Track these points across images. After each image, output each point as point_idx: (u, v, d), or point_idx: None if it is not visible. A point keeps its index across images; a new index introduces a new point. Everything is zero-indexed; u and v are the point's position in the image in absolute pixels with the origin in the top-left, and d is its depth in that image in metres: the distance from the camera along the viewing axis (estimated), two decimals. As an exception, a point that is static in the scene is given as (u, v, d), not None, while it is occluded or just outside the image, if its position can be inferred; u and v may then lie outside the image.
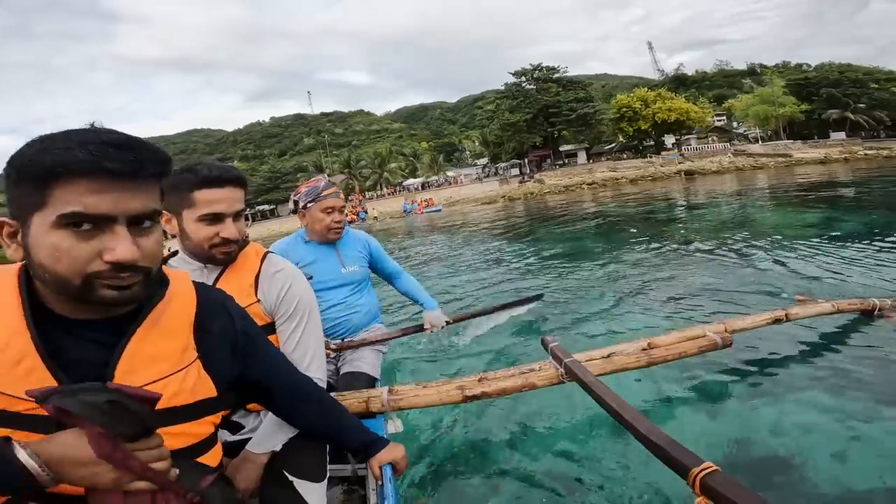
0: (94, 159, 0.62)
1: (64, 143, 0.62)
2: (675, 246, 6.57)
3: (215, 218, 1.16)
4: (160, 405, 0.67)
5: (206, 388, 0.80)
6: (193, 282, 0.87)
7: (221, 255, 1.21)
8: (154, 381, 0.72)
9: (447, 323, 2.51)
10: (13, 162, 0.64)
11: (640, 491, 1.68)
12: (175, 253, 1.24)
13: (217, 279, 1.24)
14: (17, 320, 0.67)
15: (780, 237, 6.17)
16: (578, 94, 49.27)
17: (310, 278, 1.91)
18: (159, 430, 0.70)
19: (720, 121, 58.46)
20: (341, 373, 2.02)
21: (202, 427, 0.81)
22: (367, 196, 50.93)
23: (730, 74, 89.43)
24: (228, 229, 1.17)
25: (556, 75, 50.89)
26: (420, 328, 2.48)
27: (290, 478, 1.12)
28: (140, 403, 0.62)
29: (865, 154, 34.26)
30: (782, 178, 20.59)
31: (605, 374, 1.80)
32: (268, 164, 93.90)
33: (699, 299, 3.87)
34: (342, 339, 2.18)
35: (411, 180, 56.20)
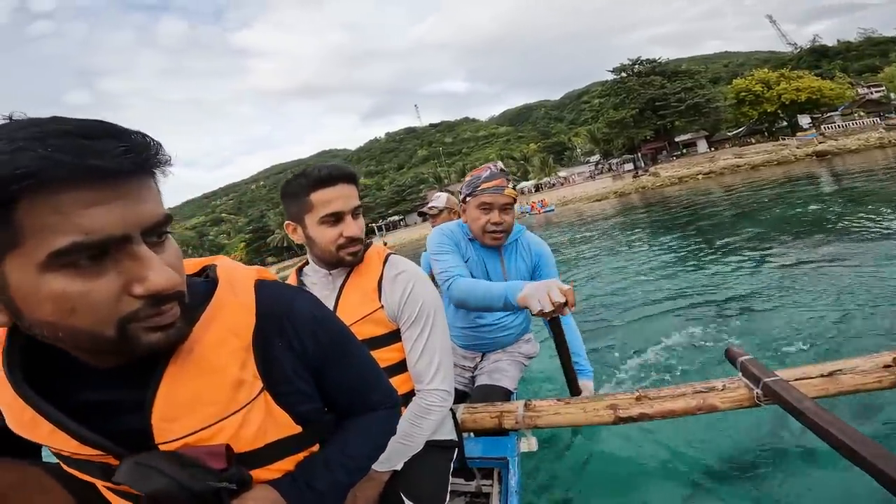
0: (73, 157, 0.42)
1: (4, 145, 0.41)
2: (850, 237, 5.01)
3: (336, 217, 1.13)
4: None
5: (282, 427, 0.64)
6: (257, 282, 0.67)
7: (349, 256, 1.17)
8: (201, 430, 0.57)
9: None
10: None
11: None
12: (306, 263, 1.27)
13: (343, 285, 1.21)
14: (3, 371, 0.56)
15: None
16: (686, 84, 47.85)
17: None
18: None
19: (879, 91, 51.35)
20: (476, 384, 1.87)
21: (285, 469, 0.67)
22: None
23: (879, 42, 77.08)
24: (350, 227, 1.14)
25: (661, 67, 50.20)
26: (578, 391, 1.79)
27: (407, 501, 1.08)
28: (204, 469, 0.56)
29: None
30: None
31: (824, 398, 1.41)
32: (388, 178, 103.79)
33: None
34: (482, 354, 1.98)
35: (523, 183, 58.69)
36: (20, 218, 0.42)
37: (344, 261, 1.18)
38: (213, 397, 0.58)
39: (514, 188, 1.75)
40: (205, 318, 0.59)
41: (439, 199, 3.02)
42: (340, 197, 1.12)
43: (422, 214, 3.15)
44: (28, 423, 0.56)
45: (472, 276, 1.75)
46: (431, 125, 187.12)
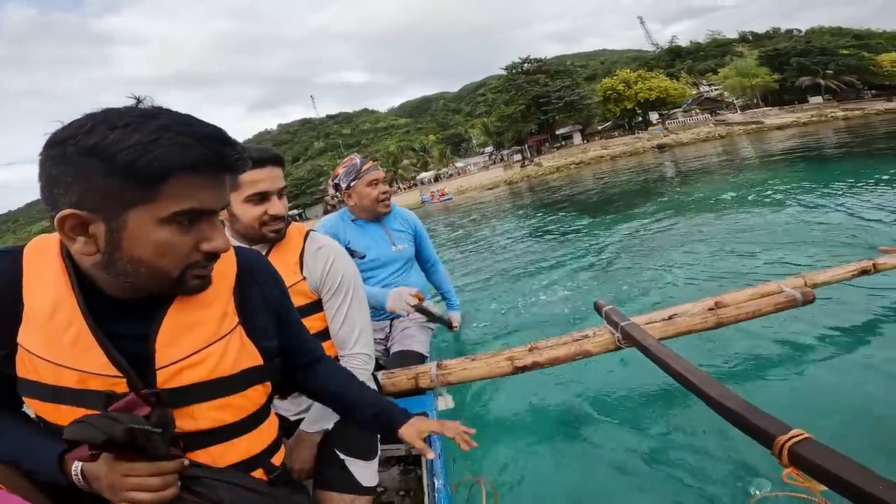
0: (218, 158, 0.63)
1: (176, 137, 0.59)
2: (693, 208, 6.40)
3: (262, 197, 1.19)
4: (202, 378, 0.73)
5: (251, 357, 0.80)
6: (235, 246, 0.85)
7: (272, 233, 1.24)
8: (194, 353, 0.73)
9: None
10: (105, 152, 0.57)
11: (715, 464, 1.51)
12: None
13: None
14: (64, 289, 0.68)
15: (798, 191, 5.98)
16: (565, 82, 54.02)
17: (363, 257, 2.04)
18: (209, 404, 0.74)
19: (717, 90, 60.90)
20: (391, 351, 2.03)
21: (252, 398, 0.81)
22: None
23: (722, 44, 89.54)
24: (275, 206, 1.21)
25: (546, 66, 56.08)
26: (448, 324, 2.39)
27: (342, 456, 1.13)
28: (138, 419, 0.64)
29: (846, 115, 37.11)
30: (753, 142, 22.97)
31: (667, 338, 1.68)
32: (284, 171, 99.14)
33: (760, 255, 3.51)
34: (391, 321, 2.20)
35: (424, 174, 60.75)
36: (164, 186, 0.60)
37: (266, 237, 1.25)
38: (205, 324, 0.75)
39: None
40: None
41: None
42: (268, 178, 1.19)
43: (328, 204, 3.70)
44: (68, 342, 0.67)
45: (361, 253, 2.04)
46: (329, 116, 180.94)
